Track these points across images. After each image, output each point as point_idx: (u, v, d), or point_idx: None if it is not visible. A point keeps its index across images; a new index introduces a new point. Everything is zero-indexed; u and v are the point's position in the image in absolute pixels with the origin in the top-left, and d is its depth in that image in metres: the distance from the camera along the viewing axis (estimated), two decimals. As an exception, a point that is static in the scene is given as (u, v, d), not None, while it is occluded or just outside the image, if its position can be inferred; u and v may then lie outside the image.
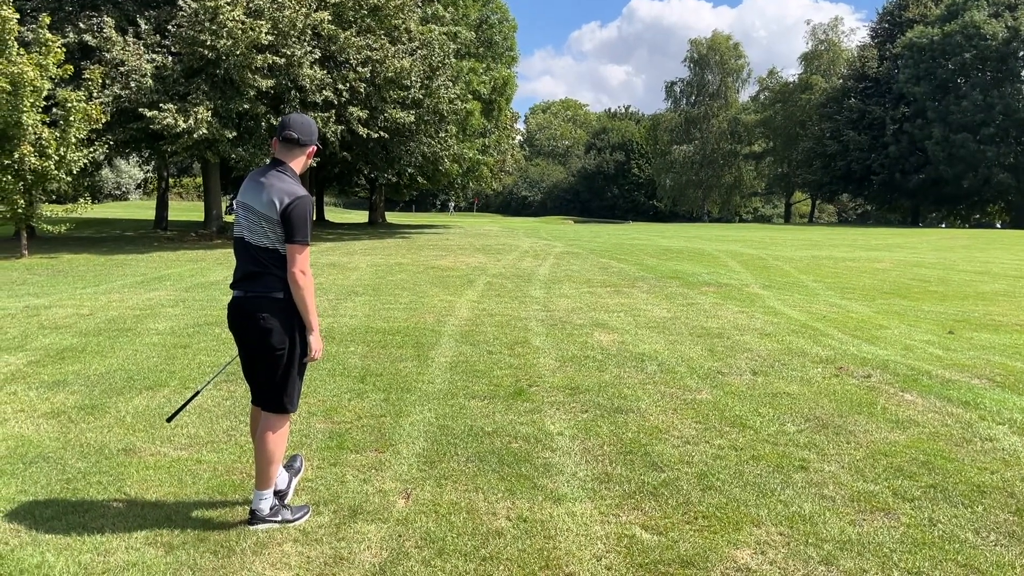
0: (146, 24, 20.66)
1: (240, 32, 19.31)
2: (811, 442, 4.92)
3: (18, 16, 16.83)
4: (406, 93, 24.05)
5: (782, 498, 4.03)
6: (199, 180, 51.52)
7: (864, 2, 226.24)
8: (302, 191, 3.60)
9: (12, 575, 3.19)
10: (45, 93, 16.77)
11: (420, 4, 26.75)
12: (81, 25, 20.44)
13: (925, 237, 34.28)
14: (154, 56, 20.10)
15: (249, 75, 19.91)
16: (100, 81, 18.43)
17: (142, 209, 49.92)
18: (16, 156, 16.27)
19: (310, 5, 21.18)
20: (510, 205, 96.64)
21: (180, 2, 19.69)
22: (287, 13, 20.19)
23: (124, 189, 69.09)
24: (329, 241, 24.58)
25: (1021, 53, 53.67)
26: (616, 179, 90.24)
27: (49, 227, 18.06)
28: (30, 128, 16.32)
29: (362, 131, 22.78)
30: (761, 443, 4.89)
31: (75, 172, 18.07)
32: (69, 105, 17.01)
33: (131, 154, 31.40)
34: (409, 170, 29.76)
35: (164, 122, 18.92)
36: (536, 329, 8.83)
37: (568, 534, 3.61)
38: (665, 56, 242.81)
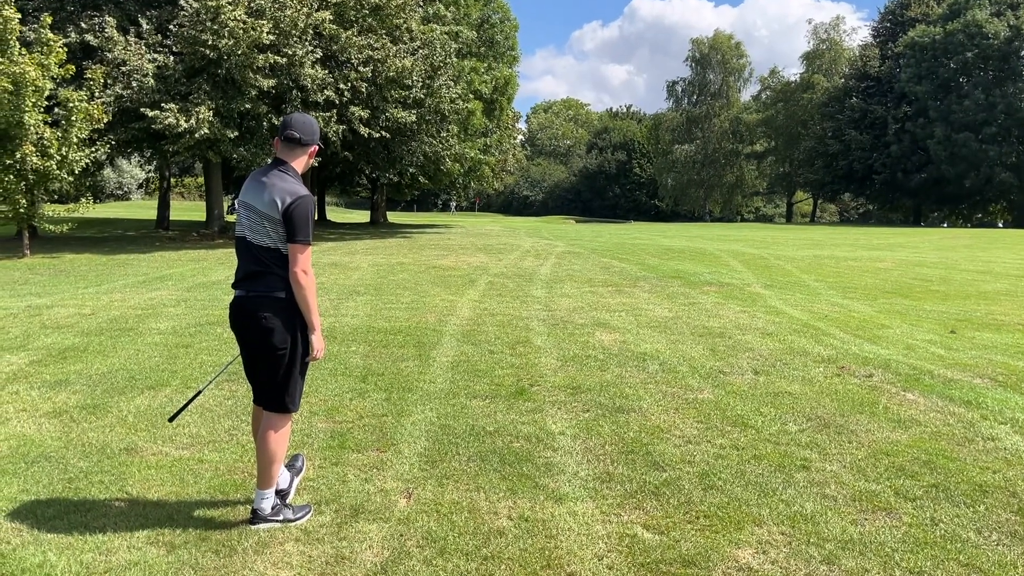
0: (148, 24, 20.67)
1: (241, 32, 19.32)
2: (813, 441, 4.91)
3: (20, 16, 16.84)
4: (407, 93, 24.05)
5: (784, 497, 4.03)
6: (201, 180, 51.58)
7: (866, 1, 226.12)
8: (304, 191, 3.61)
9: (14, 574, 3.20)
10: (47, 93, 16.79)
11: (421, 3, 26.76)
12: (83, 25, 20.46)
13: (927, 236, 34.25)
14: (156, 56, 20.11)
15: (251, 75, 19.92)
16: (102, 81, 18.44)
17: (144, 209, 49.96)
18: (18, 156, 16.29)
19: (311, 5, 21.18)
20: (511, 205, 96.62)
21: (182, 2, 19.70)
22: (288, 13, 20.20)
23: (126, 189, 69.14)
24: (331, 241, 24.59)
25: (1023, 52, 53.58)
26: (618, 179, 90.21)
27: (51, 227, 18.08)
28: (32, 128, 16.34)
29: (363, 131, 22.78)
30: (763, 442, 4.89)
31: (77, 172, 18.09)
32: (71, 105, 17.02)
33: (133, 154, 31.44)
34: (411, 170, 29.76)
35: (166, 122, 18.93)
36: (538, 329, 8.83)
37: (570, 533, 3.61)
38: (667, 55, 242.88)
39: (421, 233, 30.54)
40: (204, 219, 28.49)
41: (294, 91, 21.21)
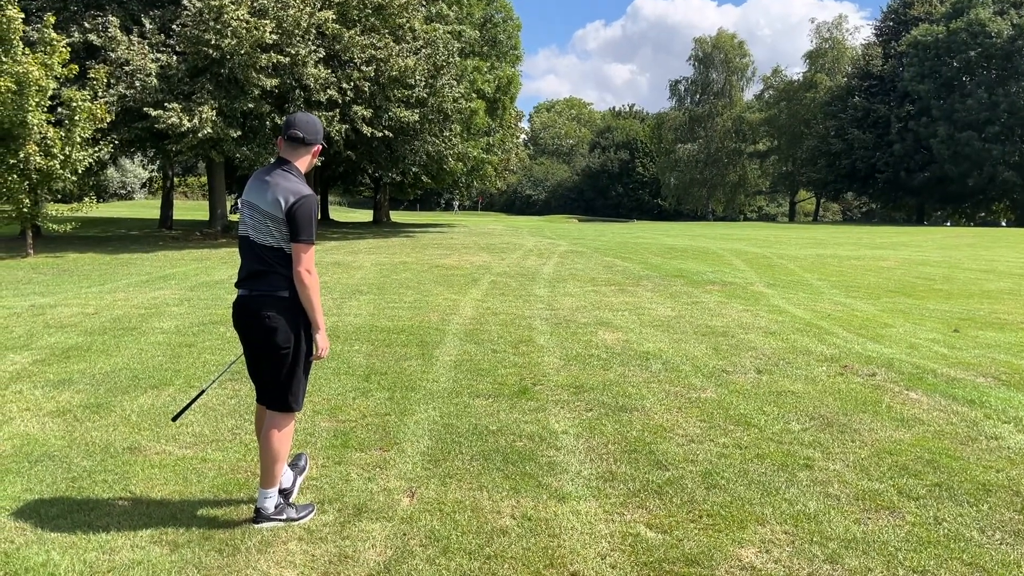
0: (151, 24, 20.69)
1: (244, 31, 19.33)
2: (816, 441, 4.91)
3: (23, 16, 16.86)
4: (410, 92, 24.04)
5: (787, 497, 4.03)
6: (204, 179, 51.62)
7: (868, 0, 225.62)
8: (307, 190, 3.61)
9: (18, 573, 3.20)
10: (50, 92, 16.81)
11: (424, 3, 26.75)
12: (86, 25, 20.48)
13: (930, 235, 34.20)
14: (159, 55, 20.13)
15: (253, 74, 19.93)
16: (105, 80, 18.46)
17: (147, 208, 50.02)
18: (21, 155, 16.32)
19: (314, 4, 21.18)
20: (514, 204, 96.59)
21: (185, 1, 19.72)
22: (291, 12, 20.21)
23: (129, 188, 69.20)
24: (334, 240, 24.61)
25: (1027, 51, 53.48)
26: (620, 178, 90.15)
27: (54, 226, 18.11)
28: (35, 128, 16.36)
29: (366, 130, 22.79)
30: (766, 442, 4.88)
31: (80, 171, 18.10)
32: (74, 104, 17.04)
33: (136, 153, 31.47)
34: (413, 169, 29.77)
35: (169, 121, 18.95)
36: (540, 328, 8.83)
37: (573, 532, 3.61)
38: (669, 55, 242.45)
39: (424, 232, 30.55)
40: (207, 218, 28.51)
41: (297, 90, 21.22)
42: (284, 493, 3.81)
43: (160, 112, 19.07)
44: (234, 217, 28.08)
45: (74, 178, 18.06)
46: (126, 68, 19.63)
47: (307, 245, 3.56)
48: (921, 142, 56.63)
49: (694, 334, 8.53)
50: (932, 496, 4.06)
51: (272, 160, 3.86)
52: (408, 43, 24.41)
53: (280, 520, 3.66)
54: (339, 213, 55.38)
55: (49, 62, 16.81)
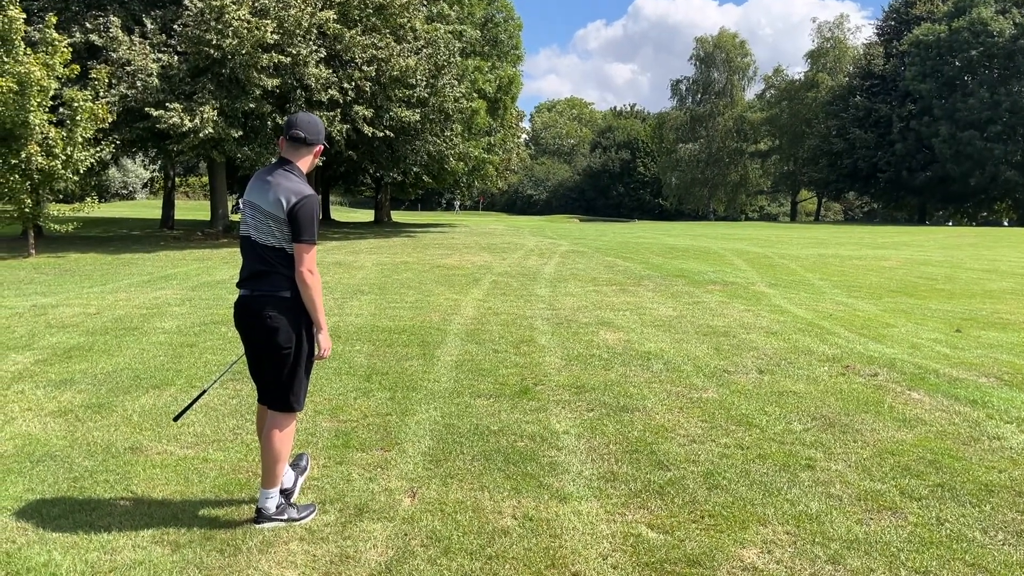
0: (152, 24, 20.70)
1: (246, 31, 19.33)
2: (818, 441, 4.90)
3: (24, 16, 16.88)
4: (411, 92, 24.04)
5: (789, 497, 4.02)
6: (205, 179, 51.65)
7: (870, 0, 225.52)
8: (309, 190, 3.61)
9: (19, 573, 3.20)
10: (52, 93, 16.81)
11: (425, 3, 26.75)
12: (87, 25, 20.49)
13: (932, 235, 34.17)
14: (160, 55, 20.13)
15: (255, 74, 19.93)
16: (106, 80, 18.46)
17: (148, 208, 50.06)
18: (23, 156, 16.33)
19: (315, 4, 21.19)
20: (515, 204, 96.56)
21: (186, 1, 19.72)
22: (292, 12, 20.21)
23: (131, 188, 69.28)
24: (335, 240, 24.61)
25: (1029, 50, 53.42)
26: (621, 177, 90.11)
27: (56, 226, 18.12)
28: (37, 128, 16.37)
29: (367, 130, 22.79)
30: (767, 442, 4.88)
31: (82, 171, 18.11)
32: (76, 105, 17.05)
33: (137, 153, 31.46)
34: (414, 169, 29.76)
35: (170, 121, 18.96)
36: (542, 328, 8.82)
37: (574, 533, 3.60)
38: (671, 54, 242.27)
39: (425, 232, 30.55)
40: (209, 218, 28.53)
41: (298, 90, 21.23)
42: (285, 493, 3.81)
43: (161, 112, 19.08)
44: (235, 217, 28.09)
45: (76, 178, 18.06)
46: (127, 68, 19.64)
47: (309, 245, 3.55)
48: (923, 141, 56.58)
49: (695, 334, 8.52)
50: (934, 496, 4.05)
51: (273, 160, 3.85)
52: (409, 43, 24.42)
53: (281, 520, 3.66)
54: (340, 213, 55.40)
55: (51, 62, 16.82)
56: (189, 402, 4.25)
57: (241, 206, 3.80)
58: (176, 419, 4.27)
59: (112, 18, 20.22)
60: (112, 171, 55.10)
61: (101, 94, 18.30)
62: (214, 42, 19.30)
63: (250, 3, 20.00)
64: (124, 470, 4.32)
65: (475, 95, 30.37)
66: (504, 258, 18.26)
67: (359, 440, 4.84)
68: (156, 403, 5.64)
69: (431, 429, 5.06)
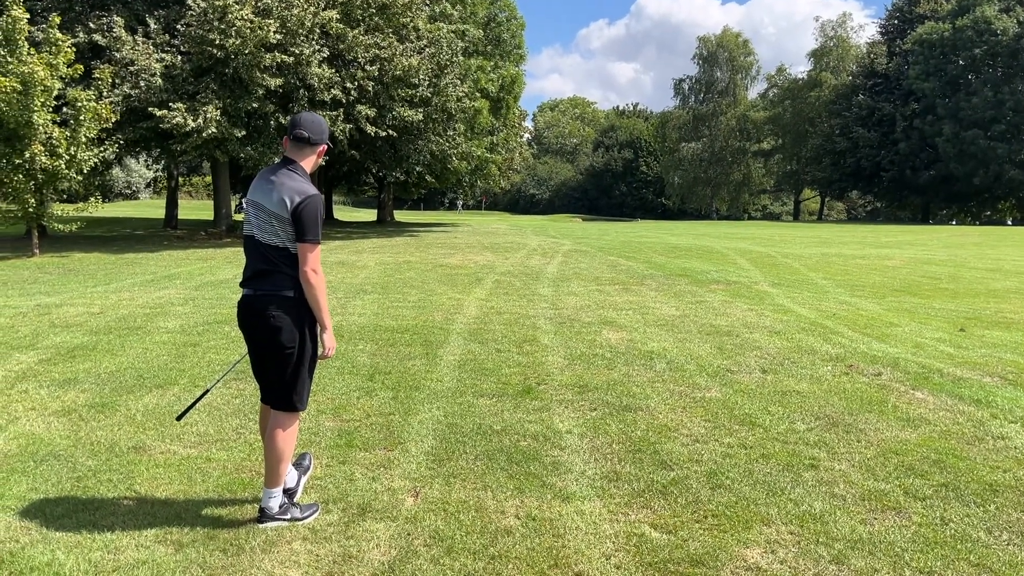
0: (155, 23, 20.72)
1: (249, 31, 19.35)
2: (821, 440, 4.90)
3: (28, 16, 16.90)
4: (414, 91, 24.04)
5: (792, 497, 4.02)
6: (209, 179, 51.73)
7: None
8: (313, 190, 3.61)
9: (23, 573, 3.21)
10: (55, 93, 16.83)
11: (428, 2, 26.75)
12: (91, 25, 20.51)
13: (936, 234, 34.10)
14: (163, 55, 20.16)
15: (258, 74, 19.95)
16: (110, 80, 18.49)
17: (152, 208, 50.13)
18: (27, 155, 16.35)
19: (318, 4, 21.20)
20: (518, 203, 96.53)
21: (189, 1, 19.74)
22: (295, 12, 20.22)
23: (134, 188, 69.38)
24: (338, 239, 24.63)
25: (1032, 49, 53.30)
26: (624, 177, 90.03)
27: (60, 226, 18.14)
28: (41, 127, 16.39)
29: (370, 129, 22.79)
30: (771, 441, 4.87)
31: (85, 171, 18.13)
32: (79, 104, 17.07)
33: (141, 153, 31.51)
34: (417, 168, 29.75)
35: (173, 121, 18.98)
36: (544, 327, 8.82)
37: (577, 532, 3.60)
38: (673, 54, 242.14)
39: (428, 232, 30.56)
40: (212, 218, 28.56)
41: (301, 90, 21.24)
42: (288, 493, 3.81)
43: (165, 112, 19.11)
44: (239, 217, 28.11)
45: (79, 178, 18.09)
46: (131, 68, 19.67)
47: (313, 245, 3.56)
48: (926, 140, 56.47)
49: (698, 333, 8.51)
50: (939, 496, 4.04)
51: (277, 160, 3.85)
52: (412, 42, 24.42)
53: (284, 520, 3.66)
54: (343, 213, 55.45)
55: (54, 62, 16.84)
56: (192, 401, 4.25)
57: (244, 206, 3.80)
58: (179, 418, 4.27)
59: (115, 18, 20.25)
60: (116, 171, 55.18)
61: (105, 94, 18.33)
62: (217, 42, 19.32)
63: (253, 3, 20.01)
64: (127, 469, 4.32)
65: (478, 94, 30.37)
66: (507, 257, 18.25)
67: (362, 439, 4.84)
68: (159, 402, 5.65)
69: (434, 428, 5.06)
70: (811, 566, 3.32)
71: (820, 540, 3.54)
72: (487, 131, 34.64)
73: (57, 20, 17.36)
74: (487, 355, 7.28)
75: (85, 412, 5.39)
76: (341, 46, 22.19)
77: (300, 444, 4.64)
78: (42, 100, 16.34)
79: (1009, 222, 60.04)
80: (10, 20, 16.26)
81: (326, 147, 3.78)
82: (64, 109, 17.37)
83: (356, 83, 22.07)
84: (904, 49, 59.80)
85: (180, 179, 38.40)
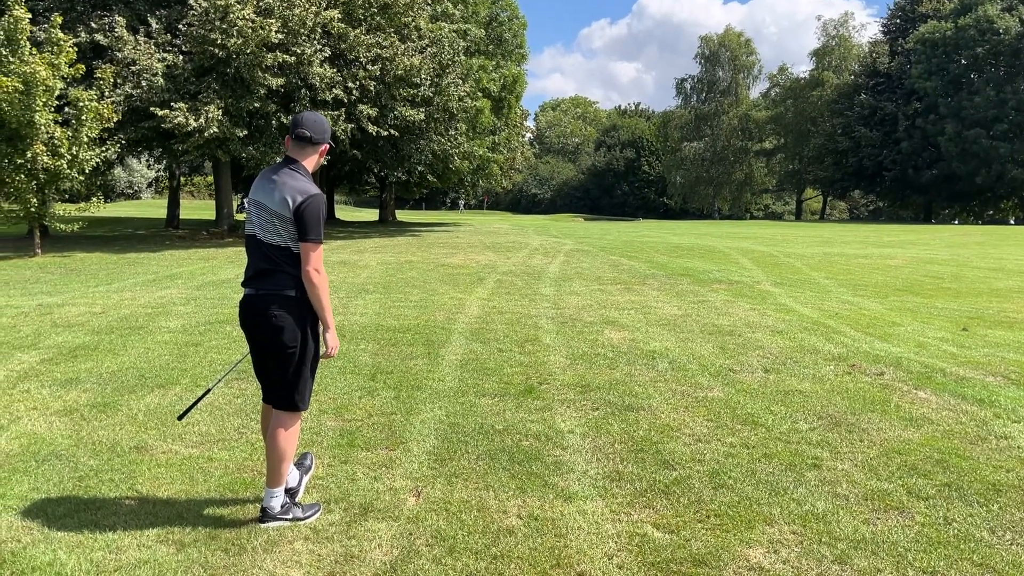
0: (157, 23, 20.73)
1: (250, 31, 19.35)
2: (824, 440, 4.89)
3: (30, 16, 16.91)
4: (416, 91, 24.04)
5: (795, 496, 4.01)
6: (210, 179, 51.74)
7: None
8: (315, 189, 3.60)
9: (25, 572, 3.20)
10: (57, 92, 16.85)
11: (430, 2, 26.74)
12: (93, 24, 20.53)
13: (938, 234, 34.06)
14: (165, 55, 20.17)
15: (259, 74, 19.95)
16: (112, 80, 18.50)
17: (154, 208, 50.17)
18: (29, 155, 16.36)
19: (320, 3, 21.20)
20: (520, 203, 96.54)
21: (191, 1, 19.75)
22: (297, 11, 20.23)
23: (136, 188, 69.43)
24: (340, 239, 24.63)
25: (1035, 48, 53.20)
26: (626, 176, 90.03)
27: (62, 226, 18.15)
28: (43, 127, 16.41)
29: (372, 129, 22.79)
30: (773, 441, 4.86)
31: (87, 171, 18.15)
32: (81, 104, 17.08)
33: (143, 153, 31.53)
34: (419, 168, 29.76)
35: (175, 121, 18.99)
36: (546, 327, 8.81)
37: (579, 532, 3.59)
38: (675, 53, 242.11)
39: (430, 231, 30.55)
40: (214, 218, 28.58)
41: (303, 90, 21.24)
42: (290, 492, 3.81)
43: (166, 112, 19.12)
44: (240, 216, 28.12)
45: (81, 178, 18.11)
46: (132, 68, 19.68)
47: (315, 244, 3.55)
48: (929, 140, 56.39)
49: (701, 333, 8.50)
50: (942, 496, 4.03)
51: (279, 159, 3.85)
52: (414, 42, 24.42)
53: (286, 519, 3.66)
54: (345, 212, 55.47)
55: (56, 62, 16.86)
56: (193, 401, 4.25)
57: (246, 205, 3.80)
58: (180, 418, 4.27)
59: (117, 18, 20.26)
60: (117, 171, 55.20)
61: (106, 94, 18.35)
62: (219, 41, 19.33)
63: (255, 3, 20.02)
64: (129, 469, 4.32)
65: (479, 94, 30.36)
66: (509, 257, 18.25)
67: (364, 439, 4.83)
68: (161, 402, 5.65)
69: (436, 428, 5.06)
70: (814, 566, 3.31)
71: (823, 540, 3.53)
72: (489, 131, 34.63)
73: (59, 20, 17.38)
74: (489, 355, 7.28)
75: (87, 412, 5.39)
76: (343, 46, 22.20)
77: (302, 444, 4.64)
78: (44, 100, 16.35)
79: (1012, 221, 59.95)
80: (12, 20, 16.27)
81: (328, 146, 3.78)
82: (66, 109, 17.39)
83: (358, 83, 22.07)
84: (906, 48, 59.71)
85: (182, 179, 38.41)
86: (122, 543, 3.45)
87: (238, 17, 19.27)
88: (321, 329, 3.71)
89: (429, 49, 24.74)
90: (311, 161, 3.72)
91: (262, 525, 3.63)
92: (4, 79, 15.84)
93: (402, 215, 53.17)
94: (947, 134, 54.17)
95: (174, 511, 3.78)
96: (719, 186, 73.26)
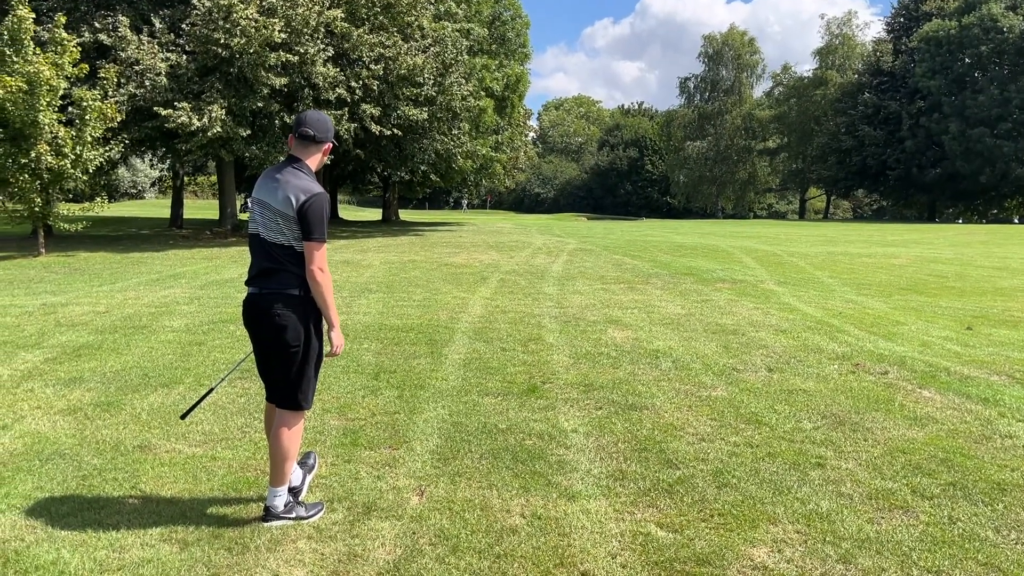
0: (160, 23, 20.75)
1: (253, 30, 19.36)
2: (828, 439, 4.87)
3: (34, 16, 16.94)
4: (419, 90, 24.04)
5: (799, 496, 4.00)
6: (214, 178, 51.82)
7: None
8: (318, 188, 3.60)
9: (28, 571, 3.21)
10: (61, 92, 16.87)
11: (433, 1, 26.73)
12: (96, 24, 20.55)
13: (942, 233, 33.98)
14: (168, 55, 20.18)
15: (262, 73, 19.96)
16: (115, 80, 18.52)
17: (157, 207, 50.24)
18: (33, 155, 16.39)
19: (323, 3, 21.20)
20: (523, 202, 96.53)
21: (194, 1, 19.76)
22: (300, 11, 20.23)
23: (140, 188, 69.53)
24: (343, 239, 24.64)
25: (1039, 46, 53.05)
26: (629, 176, 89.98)
27: (66, 225, 18.19)
28: (46, 127, 16.43)
29: (375, 128, 22.79)
30: (777, 440, 4.85)
31: (91, 171, 18.18)
32: (85, 104, 17.11)
33: (146, 153, 31.56)
34: (422, 167, 29.76)
35: (178, 120, 19.00)
36: (549, 326, 8.80)
37: (583, 532, 3.59)
38: (678, 52, 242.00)
39: (433, 231, 30.56)
40: (217, 217, 28.61)
41: (306, 89, 21.24)
42: (293, 491, 3.81)
43: (170, 111, 19.13)
44: (244, 216, 28.16)
45: (85, 177, 18.14)
46: (136, 67, 19.69)
47: (319, 243, 3.55)
48: (932, 139, 56.26)
49: (704, 332, 8.49)
50: (946, 495, 4.02)
51: (282, 159, 3.85)
52: (417, 41, 24.41)
53: (289, 518, 3.66)
54: (348, 212, 55.50)
55: (60, 62, 16.88)
56: (196, 400, 4.25)
57: (250, 204, 3.80)
58: (183, 417, 4.28)
59: (121, 17, 20.27)
60: (121, 170, 55.36)
61: (110, 93, 18.37)
62: (222, 41, 19.33)
63: (258, 2, 20.03)
64: (133, 468, 4.32)
65: (483, 93, 30.33)
66: (512, 256, 18.24)
67: (367, 438, 4.83)
68: (165, 401, 5.65)
69: (439, 427, 5.06)
70: (818, 565, 3.30)
71: (827, 539, 3.53)
72: (492, 130, 34.60)
73: (63, 20, 17.39)
74: (492, 354, 7.27)
75: (90, 411, 5.39)
76: (346, 45, 22.19)
77: (305, 443, 4.64)
78: (48, 100, 16.38)
79: (1016, 220, 59.80)
80: (16, 20, 16.29)
81: (331, 145, 3.78)
82: (70, 109, 17.42)
83: (361, 82, 22.08)
84: (910, 47, 59.57)
85: (185, 178, 38.46)
86: (125, 542, 3.45)
87: (241, 17, 19.27)
88: (326, 328, 3.71)
89: (432, 48, 24.73)
90: (314, 160, 3.72)
91: (265, 524, 3.63)
92: (8, 79, 15.87)
93: (405, 214, 53.19)
94: (951, 133, 54.04)
95: (177, 510, 3.78)
96: (722, 185, 73.21)
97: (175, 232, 26.70)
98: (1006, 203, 63.01)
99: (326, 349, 3.75)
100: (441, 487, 4.09)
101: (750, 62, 71.86)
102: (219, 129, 19.45)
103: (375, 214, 52.21)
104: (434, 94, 24.77)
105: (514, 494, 4.01)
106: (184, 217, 30.87)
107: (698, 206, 77.64)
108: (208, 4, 19.50)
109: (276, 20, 19.70)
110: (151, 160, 44.34)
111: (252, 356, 3.85)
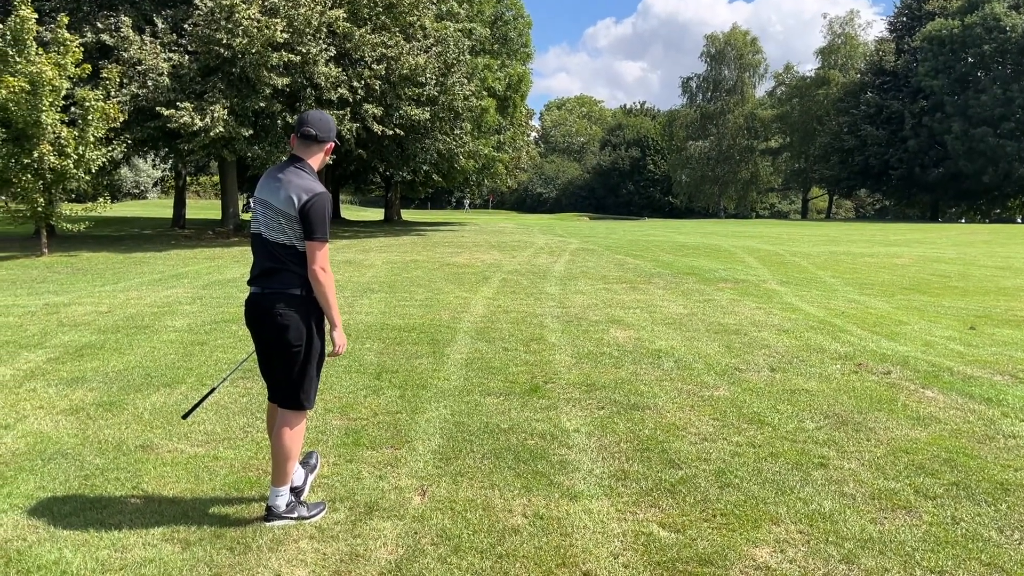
0: (163, 23, 20.77)
1: (256, 30, 19.37)
2: (830, 439, 4.87)
3: (36, 16, 16.96)
4: (421, 90, 24.04)
5: (801, 496, 3.99)
6: (216, 178, 51.85)
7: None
8: (320, 188, 3.60)
9: (30, 571, 3.21)
10: (63, 92, 16.89)
11: (435, 1, 26.73)
12: (99, 25, 20.57)
13: (945, 232, 33.93)
14: (171, 55, 20.20)
15: (265, 73, 19.97)
16: (118, 80, 18.54)
17: (160, 207, 50.29)
18: (35, 155, 16.41)
19: (325, 3, 21.21)
20: (525, 202, 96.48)
21: (196, 1, 19.77)
22: (302, 11, 20.24)
23: (142, 188, 69.58)
24: (345, 238, 24.64)
25: (1042, 46, 52.97)
26: (631, 175, 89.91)
27: (68, 225, 18.21)
28: (49, 127, 16.45)
29: (377, 128, 22.80)
30: (780, 440, 4.84)
31: (94, 171, 18.19)
32: (87, 104, 17.13)
33: (149, 153, 31.58)
34: (424, 167, 29.76)
35: (181, 120, 19.02)
36: (552, 326, 8.80)
37: (585, 531, 3.58)
38: (680, 52, 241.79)
39: (435, 231, 30.56)
40: (219, 217, 28.63)
41: (308, 89, 21.25)
42: (295, 491, 3.81)
43: (172, 111, 19.15)
44: (246, 216, 28.17)
45: (88, 177, 18.15)
46: (138, 68, 19.72)
47: (321, 243, 3.55)
48: (935, 138, 56.19)
49: (706, 332, 8.48)
50: (949, 495, 4.01)
51: (284, 158, 3.85)
52: (419, 41, 24.41)
53: (291, 518, 3.66)
54: (350, 212, 55.52)
55: (62, 62, 16.90)
56: (198, 400, 4.25)
57: (252, 204, 3.80)
58: (185, 417, 4.28)
59: (123, 18, 20.30)
60: (124, 170, 55.36)
61: (112, 94, 18.39)
62: (224, 41, 19.35)
63: (260, 2, 20.04)
64: (135, 468, 4.32)
65: (485, 93, 30.32)
66: (514, 256, 18.24)
67: (369, 438, 4.83)
68: (167, 401, 5.65)
69: (441, 427, 5.05)
70: (821, 565, 3.29)
71: (830, 539, 3.52)
72: (494, 130, 34.61)
73: (65, 20, 17.41)
74: (494, 354, 7.27)
75: (93, 411, 5.40)
76: (348, 45, 22.20)
77: (307, 442, 4.64)
78: (50, 100, 16.40)
79: (1019, 220, 59.70)
80: (19, 20, 16.32)
81: (333, 145, 3.78)
82: (72, 109, 17.43)
83: (363, 82, 22.08)
84: (913, 46, 59.50)
85: (187, 178, 38.48)
86: (127, 542, 3.45)
87: (243, 17, 19.28)
88: (328, 327, 3.71)
89: (434, 48, 24.74)
90: (317, 160, 3.72)
91: (267, 524, 3.62)
92: (11, 79, 15.89)
93: (407, 214, 53.18)
94: (954, 132, 53.97)
95: (179, 510, 3.78)
96: (725, 185, 73.16)
97: (177, 232, 26.72)
98: (1009, 203, 62.92)
99: (328, 349, 3.75)
100: (443, 487, 4.09)
101: (752, 62, 71.81)
102: (221, 129, 19.47)
103: (377, 214, 52.23)
104: (436, 94, 24.77)
105: (516, 494, 4.01)
106: (186, 217, 30.90)
107: (700, 206, 77.58)
108: (210, 4, 19.51)
109: (278, 20, 19.71)
110: (154, 160, 44.42)
111: (254, 356, 3.85)
